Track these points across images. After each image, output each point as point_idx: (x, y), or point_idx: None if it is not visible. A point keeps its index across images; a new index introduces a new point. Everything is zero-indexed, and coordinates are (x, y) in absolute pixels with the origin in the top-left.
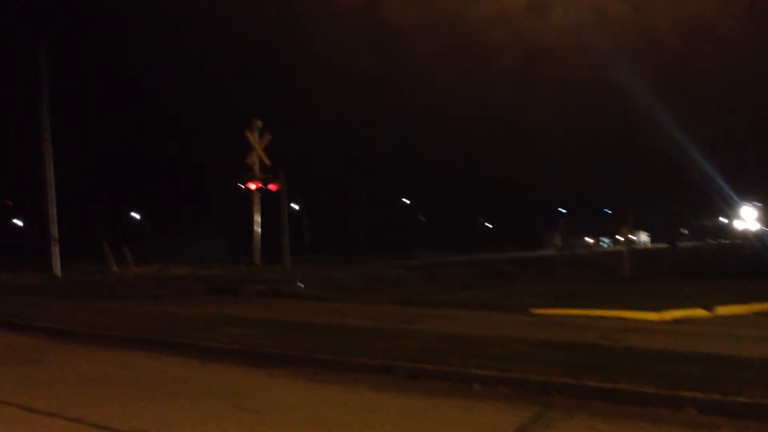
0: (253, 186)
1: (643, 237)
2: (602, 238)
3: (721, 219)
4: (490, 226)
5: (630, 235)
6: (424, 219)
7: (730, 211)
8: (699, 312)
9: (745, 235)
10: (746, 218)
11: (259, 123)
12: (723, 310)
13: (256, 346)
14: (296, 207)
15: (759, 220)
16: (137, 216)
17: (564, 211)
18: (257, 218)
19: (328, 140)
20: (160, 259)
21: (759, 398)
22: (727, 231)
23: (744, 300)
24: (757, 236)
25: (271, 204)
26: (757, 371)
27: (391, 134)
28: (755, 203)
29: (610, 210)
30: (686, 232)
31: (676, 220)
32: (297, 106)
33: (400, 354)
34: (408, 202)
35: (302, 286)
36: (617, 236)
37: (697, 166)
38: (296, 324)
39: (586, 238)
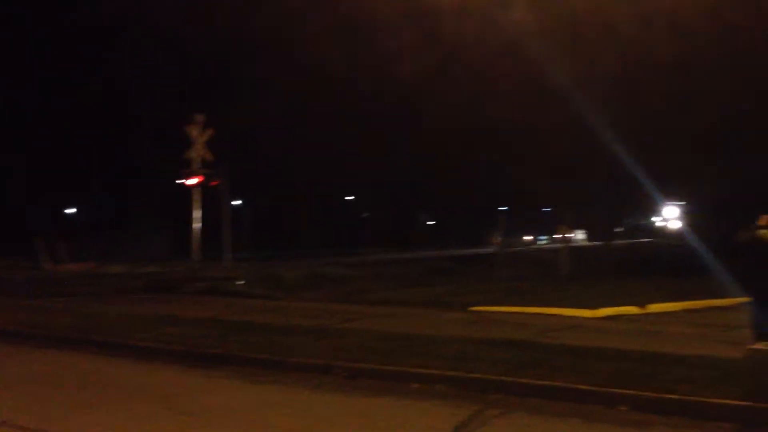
0: (192, 182)
1: (580, 235)
2: (540, 236)
3: (653, 219)
4: (434, 223)
5: (567, 234)
6: (368, 216)
7: (659, 211)
8: (632, 309)
9: (671, 234)
10: (669, 217)
11: (200, 117)
12: (654, 308)
13: (194, 346)
14: (239, 203)
15: (681, 218)
16: (75, 213)
17: (505, 209)
18: (197, 215)
19: (274, 136)
20: (99, 257)
21: (690, 395)
22: (657, 230)
23: (674, 297)
24: (679, 235)
25: (214, 200)
26: (688, 369)
27: (338, 130)
28: (677, 202)
29: (548, 208)
30: (621, 230)
31: (611, 219)
32: (243, 100)
33: (340, 353)
34: (352, 198)
35: (243, 283)
36: (555, 234)
37: (627, 166)
38: (235, 323)
39: (525, 236)
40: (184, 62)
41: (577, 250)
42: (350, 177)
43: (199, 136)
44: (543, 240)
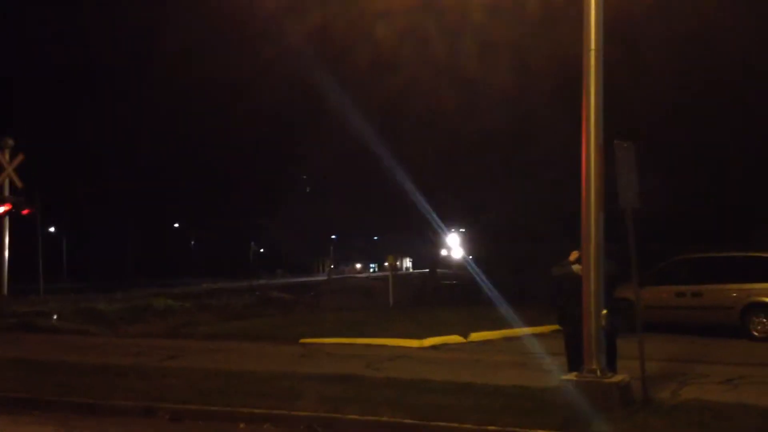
0: (1, 210)
1: (407, 263)
2: (371, 264)
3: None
4: (262, 251)
5: (395, 263)
6: (194, 243)
7: (440, 241)
8: (455, 338)
9: (455, 263)
10: (452, 246)
11: (10, 141)
12: (476, 336)
13: (1, 390)
14: (55, 231)
15: (463, 246)
16: None
17: (334, 237)
18: (5, 244)
19: (93, 160)
20: None
21: (508, 426)
22: (447, 260)
23: (493, 326)
24: (462, 264)
25: (26, 228)
26: (508, 398)
27: (163, 152)
28: (459, 230)
29: (376, 237)
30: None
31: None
32: (57, 122)
33: (164, 394)
34: (177, 226)
35: (56, 318)
36: (385, 263)
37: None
38: (49, 363)
39: (356, 264)
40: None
41: (404, 279)
42: (176, 203)
43: (8, 161)
44: (372, 268)
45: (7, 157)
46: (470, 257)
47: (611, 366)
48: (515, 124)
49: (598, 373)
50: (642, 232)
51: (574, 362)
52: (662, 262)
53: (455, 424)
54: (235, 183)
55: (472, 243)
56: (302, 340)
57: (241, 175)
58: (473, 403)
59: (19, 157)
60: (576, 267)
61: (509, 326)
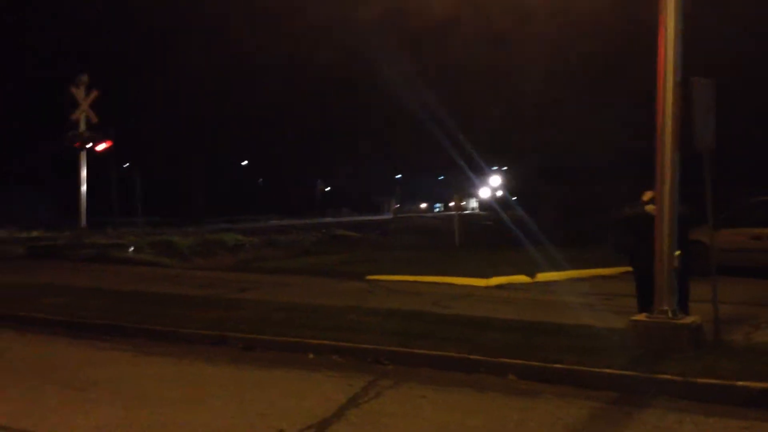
0: (77, 144)
1: (473, 203)
2: (436, 204)
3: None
4: (329, 189)
5: (461, 203)
6: (262, 181)
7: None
8: (521, 278)
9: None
10: (492, 186)
11: (86, 78)
12: (542, 276)
13: (81, 317)
14: (130, 168)
15: (502, 187)
16: None
17: (400, 176)
18: (83, 178)
19: (166, 99)
20: None
21: (575, 365)
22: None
23: (559, 267)
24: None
25: (101, 164)
26: (574, 339)
27: (233, 92)
28: (500, 168)
29: (442, 176)
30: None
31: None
32: (134, 62)
33: (235, 324)
34: (246, 163)
35: (133, 250)
36: (450, 203)
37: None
38: (125, 292)
39: (421, 204)
40: (77, 23)
41: (470, 219)
42: (244, 142)
43: (84, 97)
44: (438, 207)
45: (82, 93)
46: (514, 198)
47: (683, 308)
48: (588, 61)
49: (669, 314)
50: (717, 173)
51: (645, 303)
52: (738, 204)
53: (521, 361)
54: (303, 122)
55: (521, 183)
56: (368, 277)
57: (310, 115)
58: (539, 341)
59: (94, 93)
60: (649, 207)
61: (576, 267)
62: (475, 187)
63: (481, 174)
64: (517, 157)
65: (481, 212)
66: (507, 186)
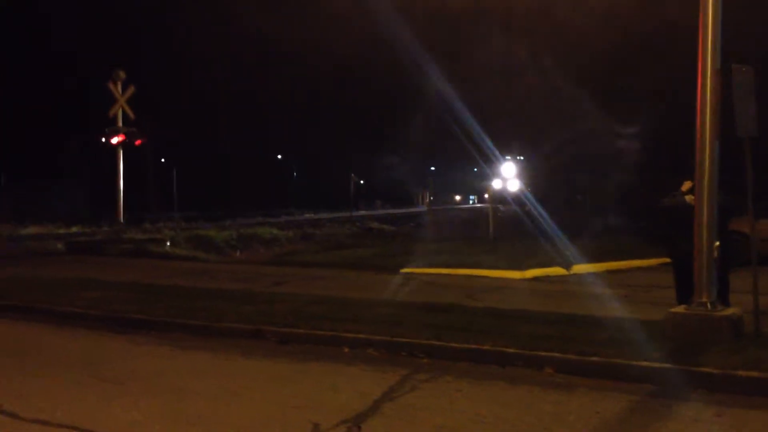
0: (115, 140)
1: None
2: (470, 196)
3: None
4: (362, 182)
5: (498, 194)
6: (296, 175)
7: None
8: (557, 270)
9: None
10: (506, 176)
11: (122, 74)
12: (578, 268)
13: (119, 311)
14: (166, 163)
15: (518, 176)
16: None
17: (433, 168)
18: (120, 174)
19: (201, 94)
20: (13, 216)
21: (612, 358)
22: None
23: (597, 258)
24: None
25: (138, 159)
26: (611, 331)
27: (268, 87)
28: (516, 157)
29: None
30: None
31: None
32: (168, 58)
33: (271, 318)
34: (280, 157)
35: (169, 245)
36: (485, 194)
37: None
38: (162, 286)
39: (456, 196)
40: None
41: (505, 211)
42: (278, 136)
43: (121, 93)
44: (472, 199)
45: (119, 88)
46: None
47: (723, 299)
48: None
49: (709, 305)
50: (760, 162)
51: (684, 295)
52: None
53: (558, 354)
54: (336, 115)
55: (545, 175)
56: (402, 270)
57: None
58: (576, 333)
59: (131, 89)
60: (689, 197)
61: (613, 259)
62: (503, 179)
63: (495, 165)
64: (536, 146)
65: (503, 206)
66: (526, 176)
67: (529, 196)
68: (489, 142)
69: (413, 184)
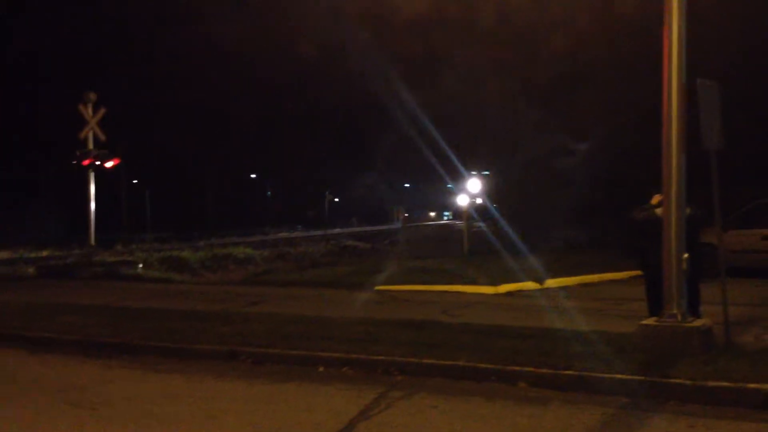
0: (85, 162)
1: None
2: (444, 212)
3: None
4: (337, 200)
5: (469, 210)
6: (271, 194)
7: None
8: (531, 285)
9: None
10: (472, 191)
11: (93, 95)
12: (552, 282)
13: (92, 335)
14: (139, 184)
15: (483, 192)
16: None
17: (407, 185)
18: (92, 196)
19: (175, 114)
20: None
21: (585, 371)
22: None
23: (569, 272)
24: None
25: (110, 181)
26: (584, 344)
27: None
28: (481, 172)
29: (450, 185)
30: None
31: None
32: (141, 79)
33: (246, 339)
34: (254, 176)
35: (142, 267)
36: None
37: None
38: (136, 309)
39: (430, 213)
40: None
41: (479, 227)
42: (253, 155)
43: (92, 115)
44: (447, 215)
45: (90, 110)
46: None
47: (694, 311)
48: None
49: (679, 317)
50: (726, 174)
51: (655, 307)
52: (747, 205)
53: (531, 369)
54: (310, 134)
55: (508, 190)
56: (377, 287)
57: (317, 127)
58: (550, 347)
59: (102, 111)
60: (659, 210)
61: (585, 272)
62: (471, 194)
63: (462, 180)
64: (499, 161)
65: (476, 221)
66: (490, 191)
67: (495, 211)
68: (454, 158)
69: (389, 201)
